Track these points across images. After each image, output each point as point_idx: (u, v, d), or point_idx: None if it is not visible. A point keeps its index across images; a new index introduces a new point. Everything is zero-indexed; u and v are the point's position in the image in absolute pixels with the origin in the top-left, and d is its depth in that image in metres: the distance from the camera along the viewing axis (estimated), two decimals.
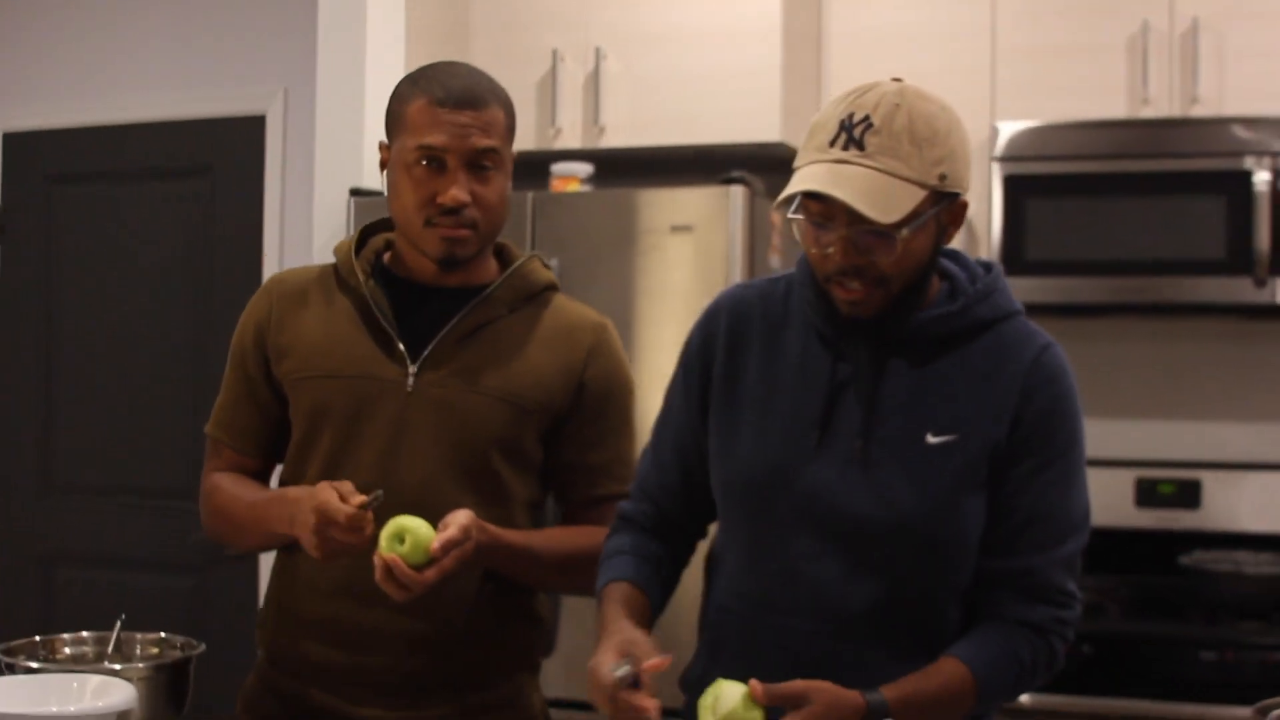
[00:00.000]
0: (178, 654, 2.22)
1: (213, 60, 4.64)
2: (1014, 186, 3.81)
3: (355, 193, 3.85)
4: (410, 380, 2.18)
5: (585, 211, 3.59)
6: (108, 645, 2.26)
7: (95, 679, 2.00)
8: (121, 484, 4.74)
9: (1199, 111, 3.73)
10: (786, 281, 2.08)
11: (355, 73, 3.94)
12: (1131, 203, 3.71)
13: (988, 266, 2.03)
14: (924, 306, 1.96)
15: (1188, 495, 3.90)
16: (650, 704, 1.77)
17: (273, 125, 4.55)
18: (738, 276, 3.49)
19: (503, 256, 2.32)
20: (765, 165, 3.80)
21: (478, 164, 2.15)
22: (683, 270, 3.51)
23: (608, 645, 1.85)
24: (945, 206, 1.89)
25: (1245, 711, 3.24)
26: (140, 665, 2.14)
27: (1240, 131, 3.63)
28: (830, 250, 1.87)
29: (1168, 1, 3.76)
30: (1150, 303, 3.74)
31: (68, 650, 2.26)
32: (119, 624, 2.29)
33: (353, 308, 2.25)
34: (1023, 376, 1.93)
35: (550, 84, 3.95)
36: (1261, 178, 3.56)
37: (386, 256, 2.31)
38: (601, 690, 1.80)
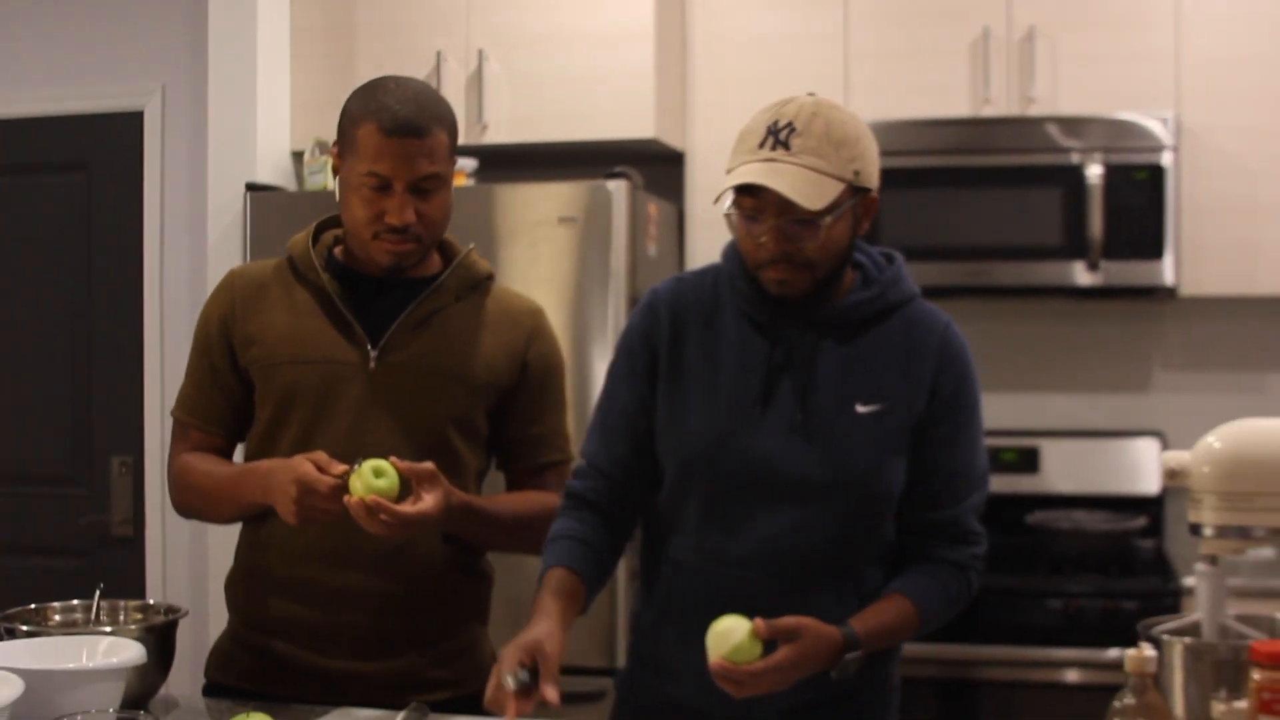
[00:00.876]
0: (162, 618, 2.39)
1: (89, 57, 4.68)
2: None
3: (251, 187, 4.00)
4: (372, 363, 2.38)
5: (475, 205, 3.79)
6: (92, 612, 2.42)
7: (105, 640, 2.17)
8: (2, 472, 4.79)
9: (1035, 111, 4.08)
10: (714, 273, 2.36)
11: (245, 71, 4.10)
12: (975, 194, 4.05)
13: (890, 256, 2.32)
14: (842, 293, 2.25)
15: (1028, 461, 4.26)
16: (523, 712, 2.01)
17: (151, 122, 4.62)
18: (622, 264, 3.75)
19: (444, 249, 2.52)
20: (641, 159, 4.05)
21: (420, 188, 2.35)
22: (570, 259, 3.75)
23: (516, 644, 2.07)
24: (859, 200, 2.18)
25: (1087, 653, 3.64)
26: (132, 627, 2.32)
27: (1073, 130, 3.99)
28: (762, 240, 2.14)
29: (1006, 10, 4.10)
30: (993, 285, 4.09)
31: (58, 617, 2.42)
32: (98, 592, 2.45)
33: (311, 298, 2.44)
34: (935, 352, 2.25)
35: (434, 83, 4.13)
36: (1094, 171, 3.92)
37: (338, 250, 2.49)
38: (490, 688, 2.04)
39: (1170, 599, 3.67)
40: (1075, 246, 3.96)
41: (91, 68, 4.69)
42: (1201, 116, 4.00)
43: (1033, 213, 4.00)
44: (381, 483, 2.17)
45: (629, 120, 4.09)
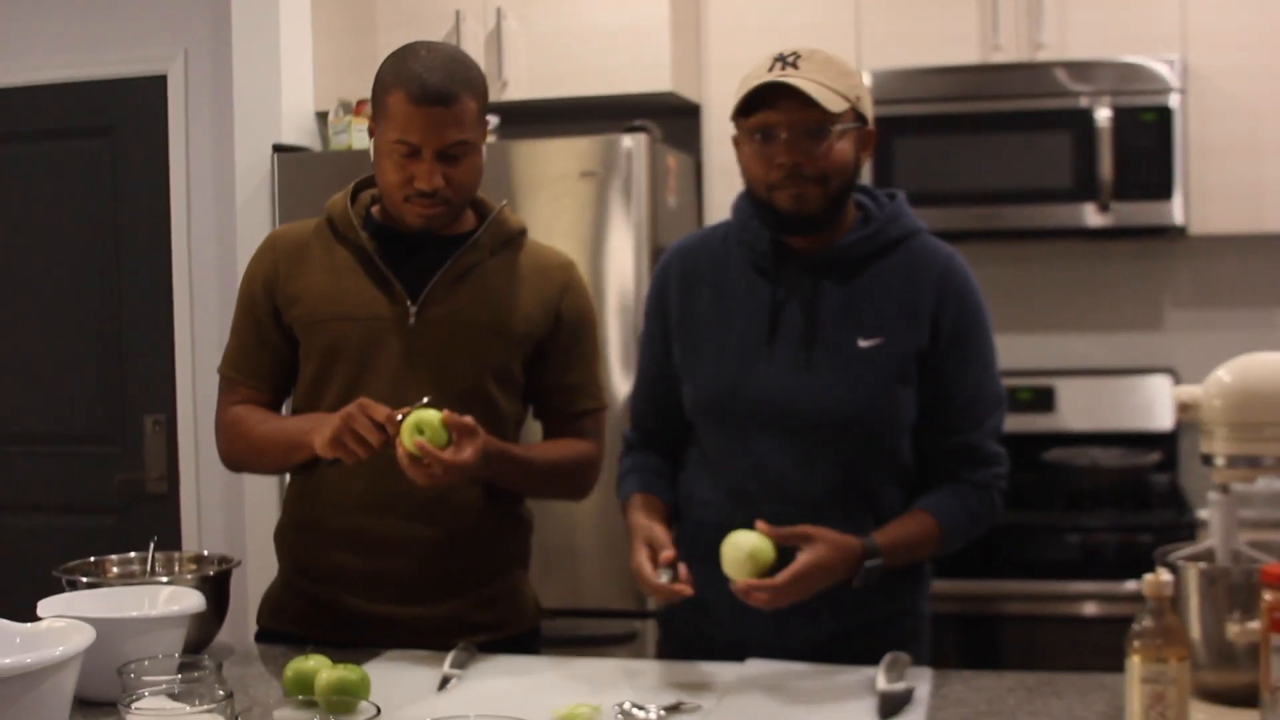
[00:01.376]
0: (216, 568, 2.50)
1: (112, 22, 4.74)
2: (880, 127, 4.14)
3: (278, 149, 4.08)
4: (412, 319, 2.47)
5: (497, 161, 3.86)
6: (148, 564, 2.52)
7: (166, 589, 2.28)
8: (35, 432, 4.89)
9: (1044, 56, 4.13)
10: (725, 228, 2.49)
11: (268, 33, 4.16)
12: (985, 139, 4.12)
13: (891, 195, 2.44)
14: (843, 232, 2.36)
15: (1043, 400, 4.35)
16: (685, 589, 2.19)
17: (174, 86, 4.69)
18: (644, 216, 3.82)
19: (477, 206, 2.61)
20: (658, 112, 4.12)
21: (448, 154, 2.43)
22: (592, 213, 3.82)
23: (638, 543, 2.28)
24: (860, 128, 2.31)
25: (1105, 585, 3.73)
26: (188, 577, 2.42)
27: (1082, 74, 4.05)
28: (776, 156, 2.27)
29: None
30: (1005, 229, 4.16)
31: (115, 569, 2.52)
32: (152, 545, 2.56)
33: (351, 257, 2.52)
34: (936, 284, 2.36)
35: (454, 42, 4.19)
36: (1103, 114, 3.99)
37: (375, 209, 2.58)
38: (652, 587, 2.22)
39: (1185, 531, 3.76)
40: (1085, 189, 4.03)
41: (114, 33, 4.76)
42: (1207, 58, 4.05)
43: (1043, 156, 4.06)
44: (428, 435, 2.27)
45: (645, 74, 4.15)
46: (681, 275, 2.46)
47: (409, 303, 2.48)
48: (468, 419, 2.30)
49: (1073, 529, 3.81)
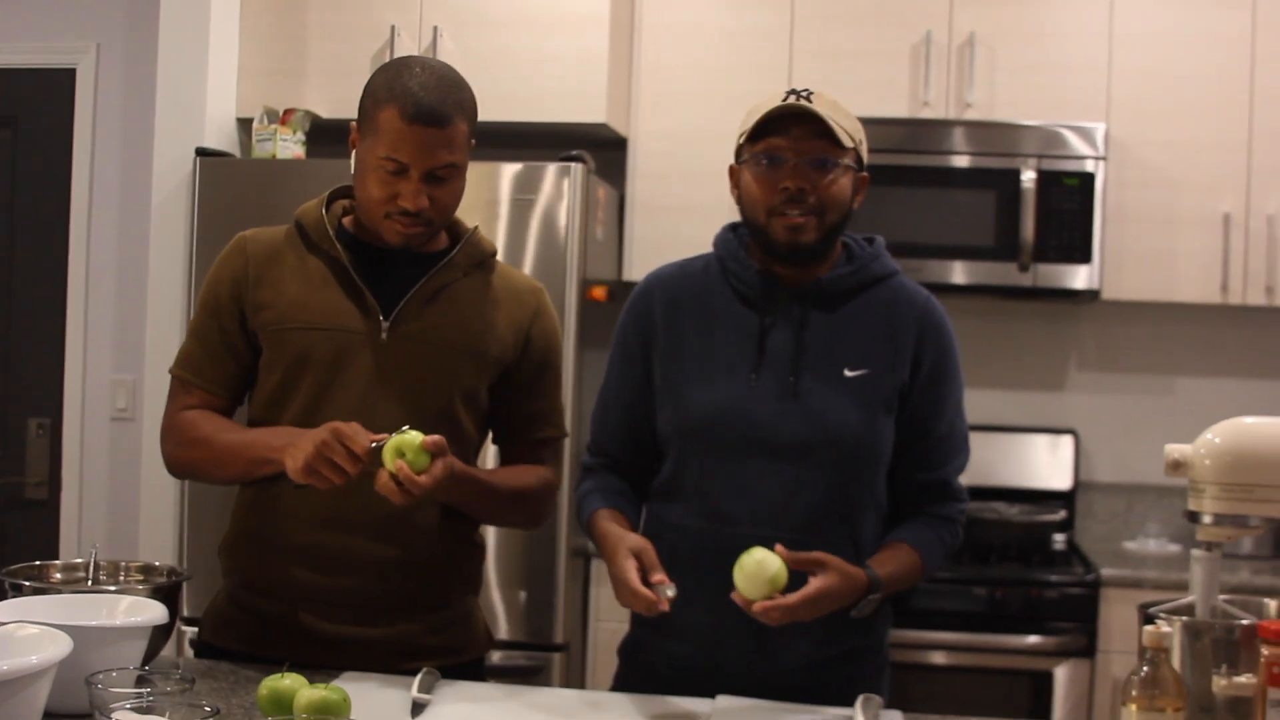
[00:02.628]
0: (165, 579, 2.41)
1: (20, 11, 4.63)
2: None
3: (201, 152, 3.97)
4: (384, 334, 2.42)
5: None
6: (89, 570, 2.42)
7: (126, 599, 2.17)
8: None
9: (971, 115, 4.22)
10: (704, 261, 2.51)
11: (197, 34, 4.08)
12: (912, 193, 4.18)
13: (870, 239, 2.49)
14: (829, 267, 2.41)
15: None
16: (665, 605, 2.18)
17: (84, 80, 4.57)
18: (575, 246, 3.81)
19: (450, 226, 2.56)
20: (583, 144, 4.10)
21: (435, 176, 2.38)
22: (525, 240, 3.79)
23: (621, 550, 2.24)
24: (857, 173, 2.37)
25: (1010, 639, 3.79)
26: (139, 587, 2.32)
27: (1009, 136, 4.14)
28: (782, 181, 2.31)
29: (948, 16, 4.25)
30: (928, 282, 4.16)
31: (59, 575, 2.41)
32: (94, 551, 2.45)
33: (324, 267, 2.46)
34: (918, 322, 2.42)
35: (387, 56, 4.14)
36: (1028, 176, 4.08)
37: (347, 220, 2.52)
38: (636, 594, 2.18)
39: (1090, 589, 3.84)
40: (1007, 248, 4.11)
41: (22, 23, 4.64)
42: (1129, 129, 4.18)
43: (967, 214, 4.14)
44: (409, 458, 2.21)
45: (581, 104, 4.15)
46: (665, 302, 2.46)
47: (381, 318, 2.43)
48: (439, 437, 2.26)
49: (979, 582, 3.86)
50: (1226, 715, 1.98)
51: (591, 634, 4.04)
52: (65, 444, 4.58)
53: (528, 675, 3.73)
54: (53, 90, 4.60)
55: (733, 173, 2.41)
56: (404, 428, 2.25)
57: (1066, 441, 4.46)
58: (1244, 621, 2.04)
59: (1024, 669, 3.83)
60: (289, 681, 2.01)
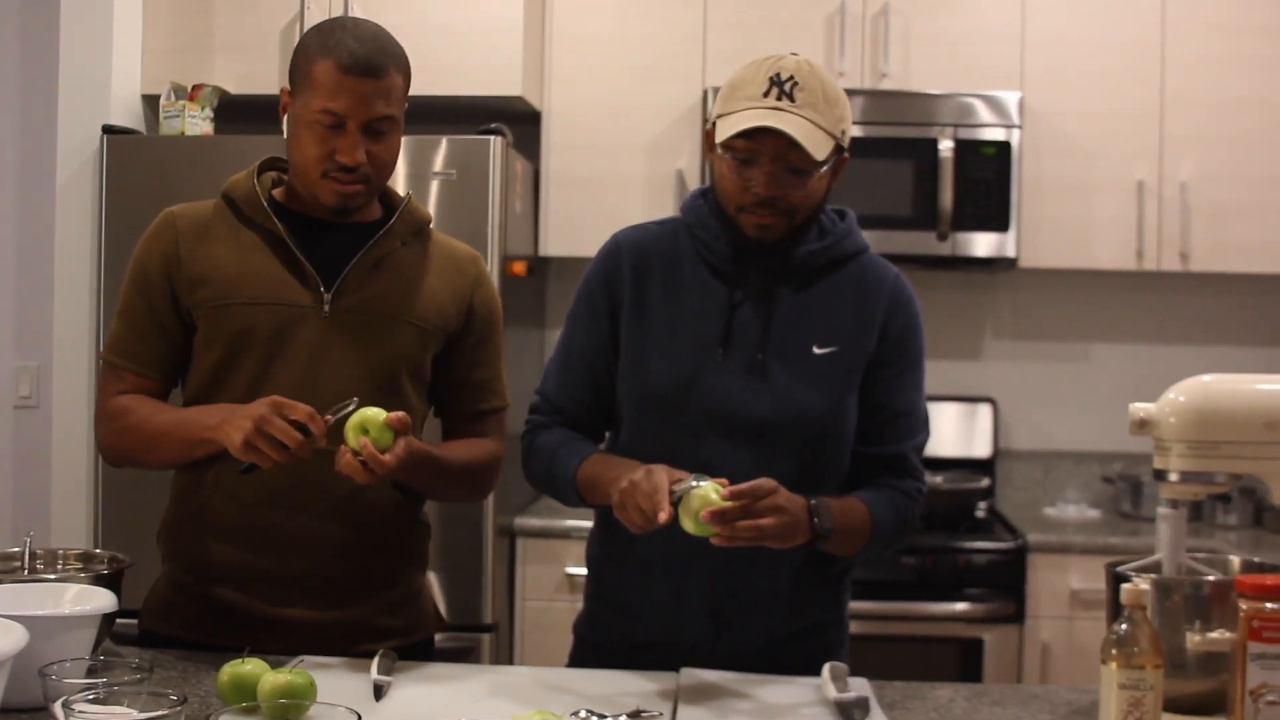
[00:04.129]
0: (105, 567, 2.32)
1: None
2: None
3: (109, 130, 3.85)
4: (326, 306, 2.35)
5: None
6: (25, 559, 2.32)
7: (73, 588, 2.09)
8: None
9: (887, 85, 4.22)
10: (673, 225, 2.43)
11: (101, 11, 3.95)
12: None
13: (841, 213, 2.42)
14: (800, 244, 2.33)
15: None
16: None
17: None
18: (496, 219, 3.75)
19: (383, 195, 2.50)
20: (497, 117, 4.02)
21: (374, 128, 2.33)
22: (445, 214, 3.72)
23: (654, 467, 2.09)
24: (838, 158, 2.26)
25: (942, 607, 3.81)
26: (82, 575, 2.24)
27: (925, 106, 4.15)
28: (752, 184, 2.22)
29: None
30: None
31: None
32: (29, 540, 2.35)
33: (260, 240, 2.38)
34: (886, 298, 2.37)
35: (297, 30, 4.04)
36: (945, 146, 4.09)
37: (277, 192, 2.45)
38: (660, 491, 2.04)
39: (1017, 555, 3.87)
40: (926, 218, 4.12)
41: None
42: (1044, 97, 4.21)
43: (886, 184, 4.14)
44: (373, 435, 2.15)
45: (496, 77, 4.09)
46: (633, 265, 2.38)
47: (323, 290, 2.36)
48: (403, 414, 2.19)
49: (907, 550, 3.86)
50: (1198, 671, 2.00)
51: (519, 613, 3.99)
52: None
53: (457, 657, 3.65)
54: None
55: (708, 139, 2.32)
56: (352, 399, 2.19)
57: (985, 410, 4.49)
58: (1213, 578, 2.05)
59: (953, 636, 3.86)
60: (250, 667, 1.95)
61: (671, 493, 2.04)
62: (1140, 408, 2.12)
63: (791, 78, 2.20)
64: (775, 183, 2.22)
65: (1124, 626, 1.89)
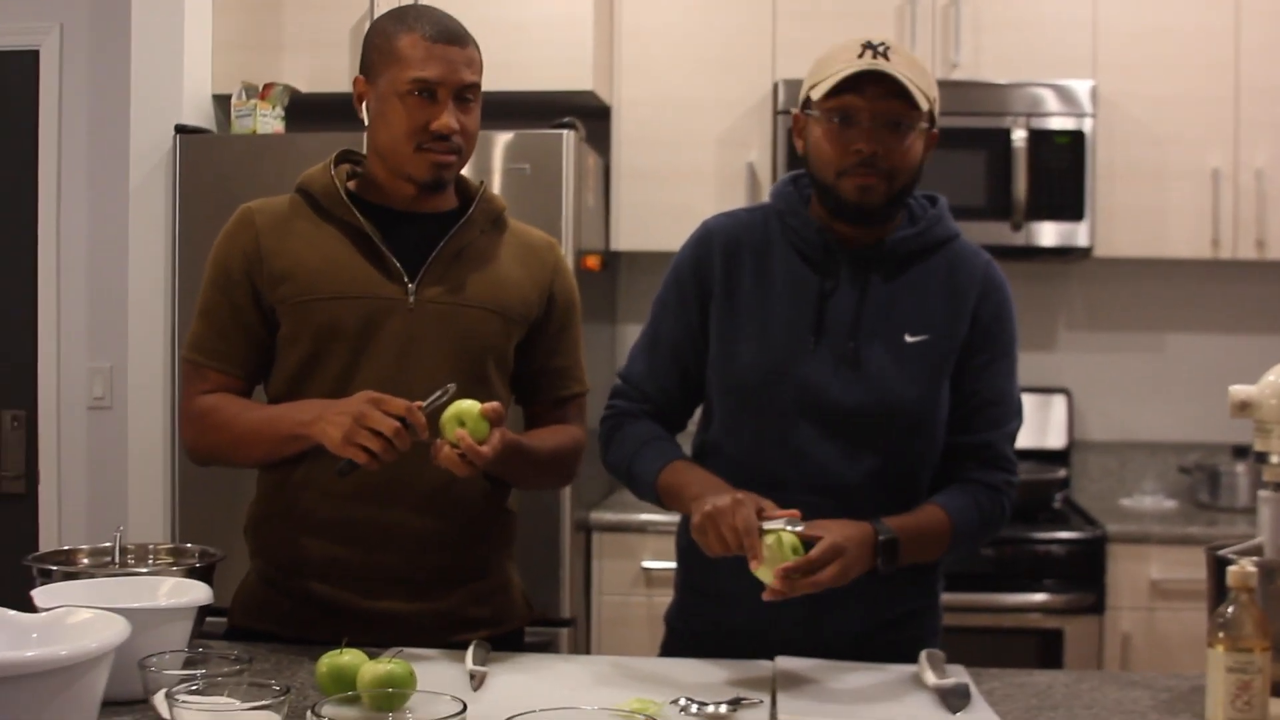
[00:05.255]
0: (195, 561, 2.33)
1: None
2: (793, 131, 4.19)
3: (181, 129, 3.87)
4: (411, 298, 2.35)
5: None
6: (115, 554, 2.34)
7: (168, 581, 2.10)
8: None
9: (959, 75, 4.19)
10: (763, 212, 2.42)
11: (172, 12, 3.97)
12: None
13: (933, 199, 2.40)
14: (892, 229, 2.31)
15: None
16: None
17: (47, 61, 4.45)
18: (570, 214, 3.74)
19: (458, 184, 2.50)
20: (568, 112, 4.02)
21: (463, 96, 2.35)
22: (520, 208, 3.69)
23: (743, 510, 2.08)
24: (928, 130, 2.26)
25: (1021, 598, 3.77)
26: (174, 569, 2.25)
27: (998, 95, 4.11)
28: (854, 142, 2.21)
29: None
30: None
31: (86, 560, 2.33)
32: (119, 534, 2.37)
33: (339, 233, 2.38)
34: (978, 284, 2.34)
35: (365, 27, 4.02)
36: (1019, 135, 4.06)
37: (352, 184, 2.45)
38: (752, 533, 2.05)
39: (1096, 546, 3.83)
40: (1000, 208, 4.09)
41: None
42: (1117, 85, 4.17)
43: (959, 174, 4.11)
44: (469, 427, 2.15)
45: (567, 72, 4.09)
46: (724, 253, 2.37)
47: (407, 281, 2.36)
48: (498, 405, 2.19)
49: (990, 543, 3.82)
50: None
51: (595, 608, 3.98)
52: (41, 435, 4.47)
53: (535, 651, 3.66)
54: (15, 73, 4.47)
55: (798, 122, 2.31)
56: (447, 386, 2.19)
57: (1060, 401, 4.45)
58: None
59: (1033, 627, 3.82)
60: (349, 658, 1.95)
61: (761, 530, 2.06)
62: (1240, 390, 2.09)
63: (884, 43, 2.22)
64: (876, 138, 2.21)
65: (1230, 610, 1.86)
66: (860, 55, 2.20)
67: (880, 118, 2.20)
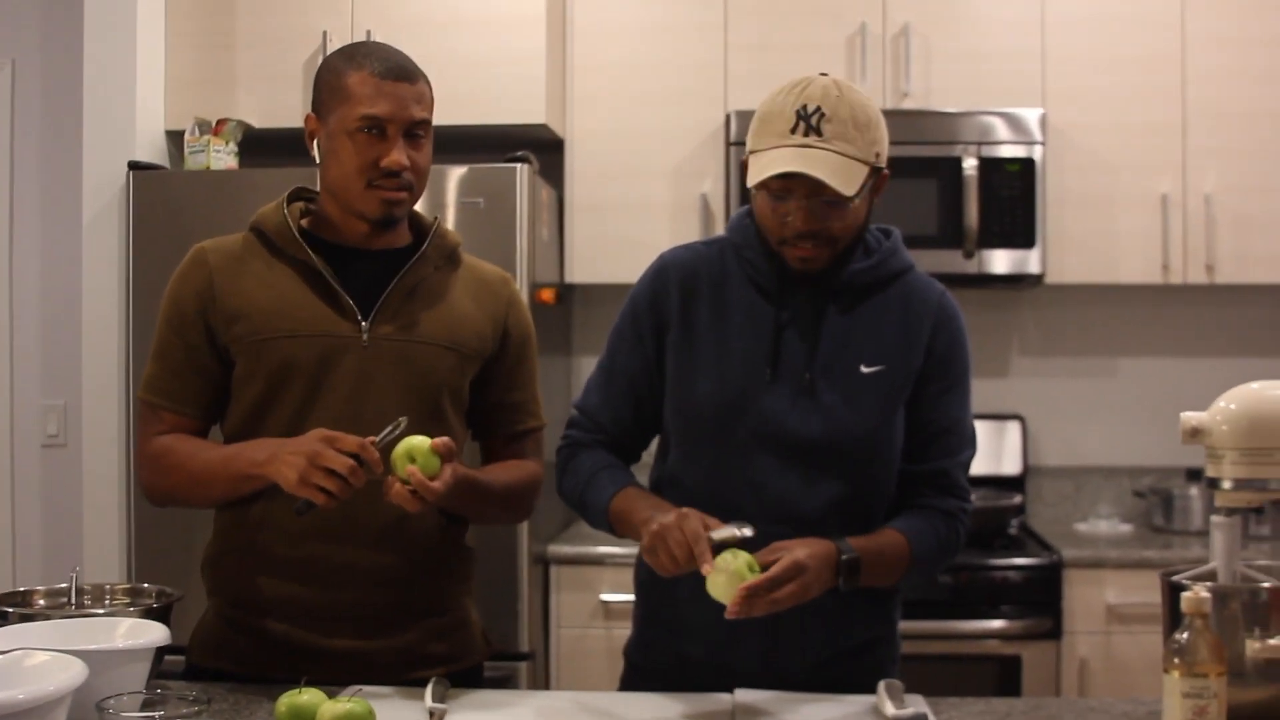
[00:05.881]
0: (153, 601, 2.31)
1: None
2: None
3: (134, 166, 3.86)
4: (365, 335, 2.35)
5: None
6: (71, 595, 2.32)
7: (125, 621, 2.09)
8: None
9: (910, 105, 4.22)
10: (719, 244, 2.43)
11: (124, 47, 3.96)
12: None
13: (887, 232, 2.42)
14: (847, 264, 2.32)
15: None
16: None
17: None
18: (524, 246, 3.75)
19: (411, 219, 2.51)
20: (521, 146, 4.03)
21: (413, 133, 2.36)
22: (475, 242, 3.69)
23: (688, 523, 2.09)
24: (876, 178, 2.27)
25: (978, 625, 3.79)
26: (131, 610, 2.23)
27: (948, 124, 4.15)
28: (789, 219, 2.22)
29: (881, 6, 4.25)
30: None
31: (42, 601, 2.31)
32: (75, 575, 2.35)
33: (292, 271, 2.38)
34: (932, 315, 2.36)
35: (318, 63, 4.03)
36: (970, 164, 4.09)
37: (305, 222, 2.45)
38: (699, 541, 2.05)
39: (1053, 571, 3.86)
40: (951, 236, 4.12)
41: None
42: (1066, 113, 4.22)
43: (910, 203, 4.13)
44: (420, 463, 2.15)
45: (520, 105, 4.10)
46: (681, 285, 2.38)
47: (360, 319, 2.36)
48: (449, 439, 2.19)
49: (946, 570, 3.83)
50: (1259, 679, 1.98)
51: (554, 642, 3.97)
52: None
53: (494, 686, 3.65)
54: None
55: (745, 167, 2.29)
56: (399, 420, 2.19)
57: (1014, 427, 4.48)
58: (1270, 585, 2.04)
59: (991, 654, 3.84)
60: (307, 697, 1.94)
61: (709, 540, 2.06)
62: (1192, 416, 2.11)
63: (819, 109, 2.18)
64: (812, 217, 2.21)
65: (1185, 635, 1.88)
66: (794, 128, 2.17)
67: (815, 197, 2.20)
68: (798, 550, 2.11)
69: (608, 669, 3.55)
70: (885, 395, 2.31)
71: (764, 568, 2.09)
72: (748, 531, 2.10)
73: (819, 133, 2.17)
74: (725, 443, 2.31)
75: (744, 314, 2.34)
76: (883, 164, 2.27)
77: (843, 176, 2.17)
